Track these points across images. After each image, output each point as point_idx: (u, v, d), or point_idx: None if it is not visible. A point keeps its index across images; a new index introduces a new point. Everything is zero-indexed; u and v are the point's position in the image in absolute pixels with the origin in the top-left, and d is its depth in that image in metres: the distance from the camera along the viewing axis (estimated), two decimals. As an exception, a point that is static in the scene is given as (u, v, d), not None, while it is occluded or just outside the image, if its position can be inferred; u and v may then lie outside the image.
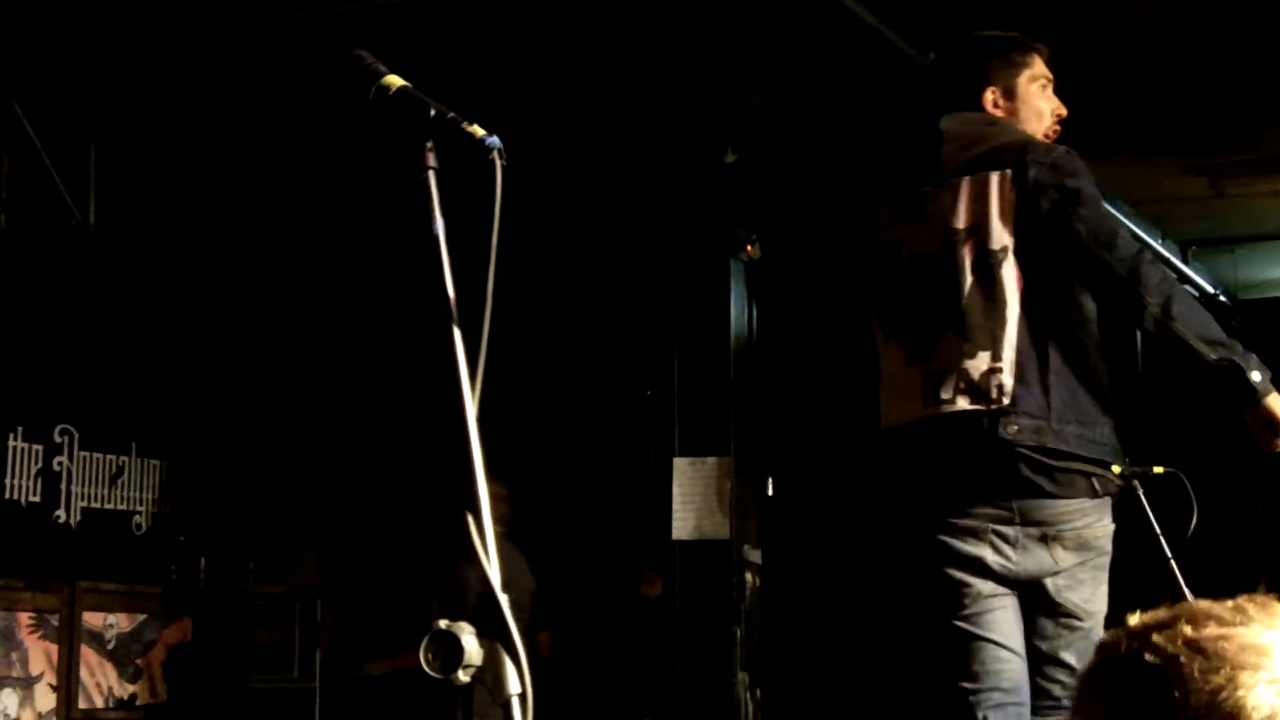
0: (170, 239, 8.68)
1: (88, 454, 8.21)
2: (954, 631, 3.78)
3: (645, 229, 7.81)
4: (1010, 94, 4.04)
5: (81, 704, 7.80)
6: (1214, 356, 3.65)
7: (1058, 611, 3.81)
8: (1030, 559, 3.76)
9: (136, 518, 8.43)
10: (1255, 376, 3.65)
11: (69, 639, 7.77)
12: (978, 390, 3.75)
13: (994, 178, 3.82)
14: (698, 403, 7.72)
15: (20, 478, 7.88)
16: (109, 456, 8.32)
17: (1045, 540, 3.76)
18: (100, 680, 7.92)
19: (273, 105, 7.34)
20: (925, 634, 3.87)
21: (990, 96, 4.02)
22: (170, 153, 8.23)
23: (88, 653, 7.87)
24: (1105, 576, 3.82)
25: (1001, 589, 3.77)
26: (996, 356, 3.75)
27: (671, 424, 7.74)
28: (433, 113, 2.47)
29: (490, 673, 2.31)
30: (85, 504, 8.17)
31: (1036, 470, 3.71)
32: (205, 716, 8.34)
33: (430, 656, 2.33)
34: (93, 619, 7.92)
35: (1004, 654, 3.77)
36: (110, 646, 7.99)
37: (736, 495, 7.55)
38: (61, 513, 8.06)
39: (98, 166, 8.49)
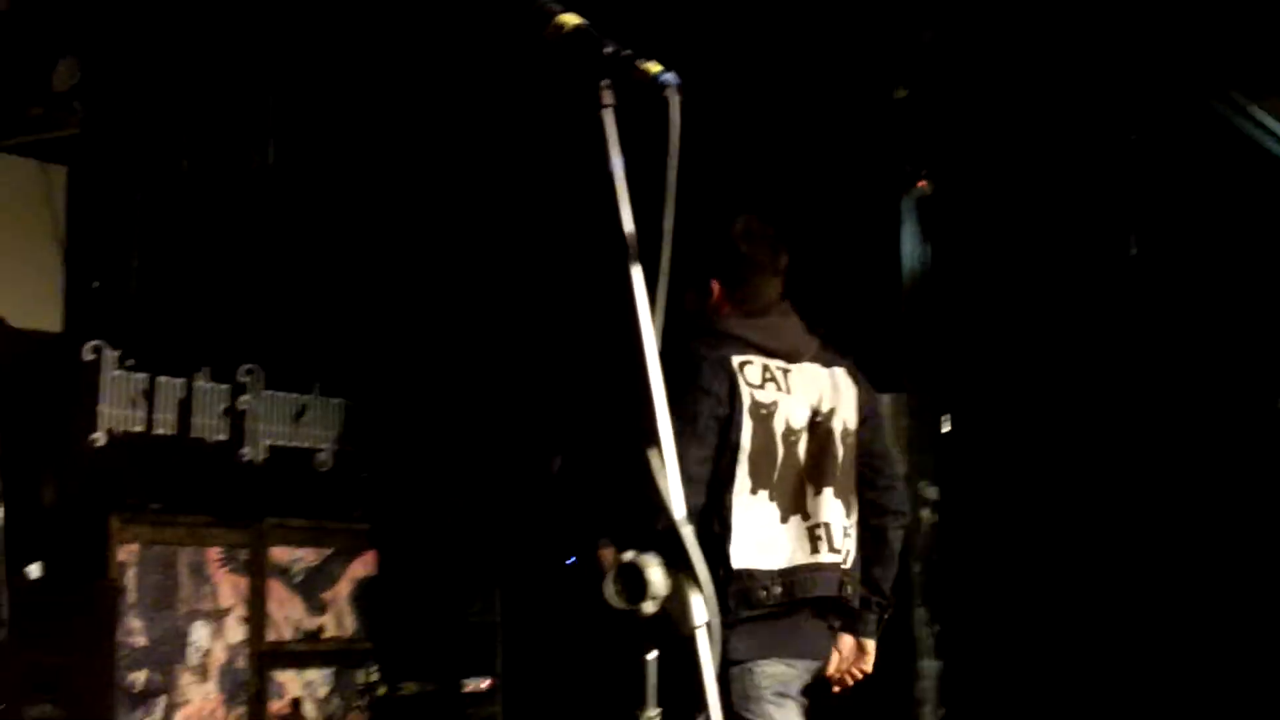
0: (349, 179, 8.80)
1: (272, 393, 8.39)
2: None
3: (815, 167, 7.77)
4: None
5: (270, 636, 8.00)
6: (885, 585, 4.51)
7: None
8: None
9: (320, 455, 8.60)
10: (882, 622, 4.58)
11: (257, 573, 7.97)
12: (842, 548, 4.33)
13: (843, 375, 4.51)
14: (871, 341, 7.68)
15: (207, 417, 8.08)
16: (292, 395, 8.50)
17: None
18: (288, 613, 8.12)
19: (448, 46, 7.40)
20: None
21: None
22: (347, 94, 8.34)
23: (275, 587, 8.06)
24: None
25: None
26: (853, 523, 4.40)
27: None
28: (608, 50, 2.49)
29: (675, 604, 2.34)
30: (270, 442, 8.36)
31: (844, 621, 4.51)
32: (390, 649, 8.50)
33: (616, 589, 2.37)
34: (280, 554, 8.11)
35: None
36: (297, 581, 8.18)
37: (912, 433, 7.51)
38: (248, 450, 8.25)
39: (276, 109, 8.64)
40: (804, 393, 4.35)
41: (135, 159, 8.63)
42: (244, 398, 8.25)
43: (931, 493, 7.62)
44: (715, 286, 4.56)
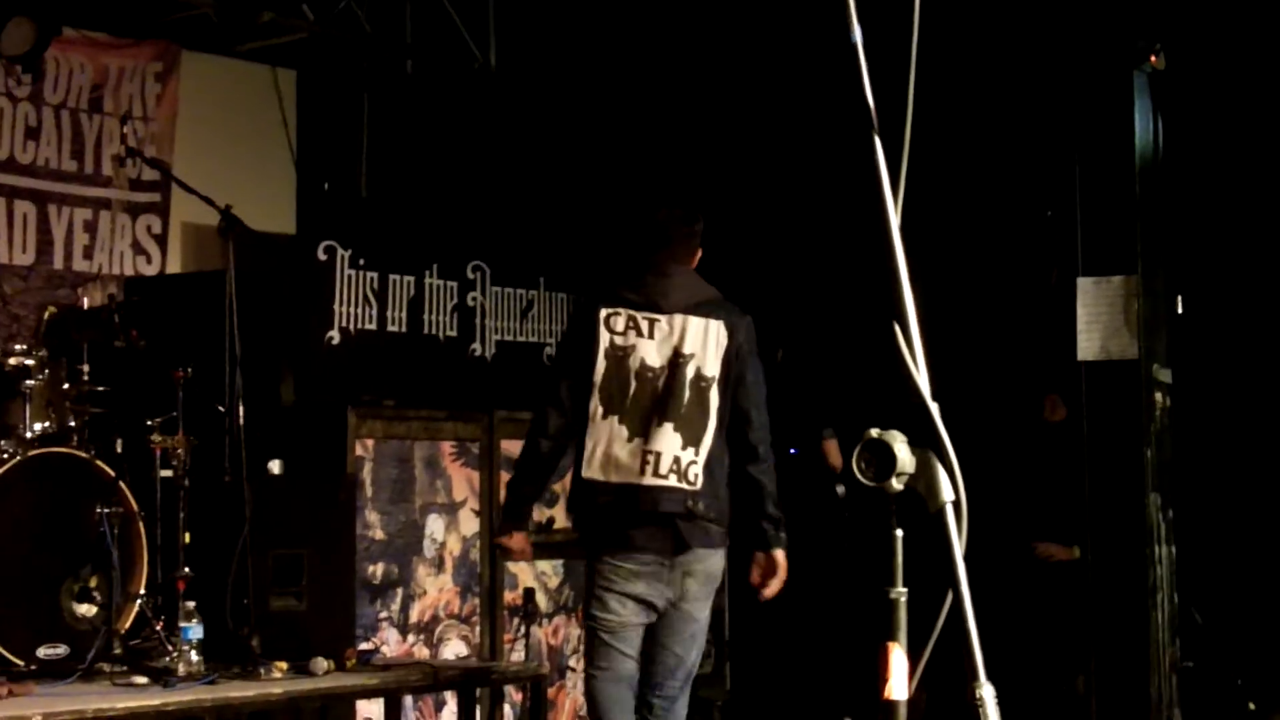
0: (569, 76, 8.83)
1: (499, 289, 8.49)
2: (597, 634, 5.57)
3: (1043, 42, 7.60)
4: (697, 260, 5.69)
5: (502, 528, 8.14)
6: (773, 510, 5.58)
7: (684, 620, 5.55)
8: (673, 589, 5.48)
9: (547, 349, 8.70)
10: (783, 535, 5.61)
11: (488, 466, 8.10)
12: (683, 474, 5.36)
13: (714, 325, 5.45)
14: (1101, 221, 7.52)
15: (438, 313, 8.21)
16: (519, 291, 8.59)
17: (684, 576, 5.48)
18: (520, 505, 8.24)
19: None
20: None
21: (698, 257, 5.65)
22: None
23: (506, 479, 8.17)
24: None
25: (641, 614, 5.50)
26: (697, 453, 5.39)
27: (1074, 243, 7.56)
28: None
29: (923, 480, 2.33)
30: (499, 337, 8.47)
31: (704, 531, 5.45)
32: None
33: (862, 465, 2.36)
34: (510, 446, 8.21)
35: (625, 657, 5.54)
36: (528, 473, 8.29)
37: (1144, 314, 7.35)
38: (477, 346, 8.38)
39: (496, 10, 8.70)
40: (665, 338, 5.45)
41: (361, 62, 8.78)
42: (472, 294, 8.37)
43: (1164, 375, 7.47)
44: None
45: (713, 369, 5.44)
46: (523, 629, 8.11)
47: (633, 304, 5.47)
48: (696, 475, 5.41)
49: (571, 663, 8.38)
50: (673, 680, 5.61)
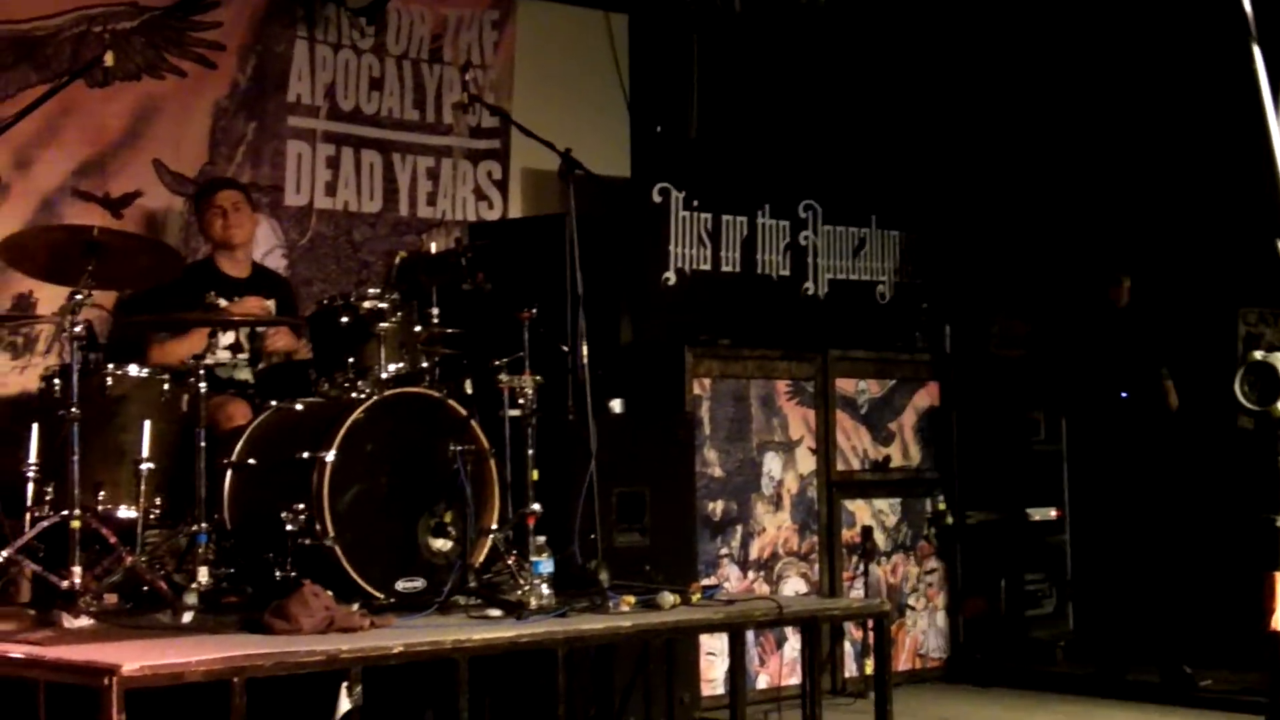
0: (898, 9, 8.74)
1: (831, 228, 8.47)
2: None
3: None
4: None
5: (839, 466, 8.13)
6: None
7: None
8: None
9: (880, 288, 8.65)
10: None
11: (824, 405, 8.10)
12: None
13: None
14: None
15: (770, 253, 8.23)
16: (851, 229, 8.56)
17: None
18: (855, 444, 8.23)
19: None
20: None
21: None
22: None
23: (842, 417, 8.18)
24: None
25: None
26: None
27: None
28: None
29: (1311, 403, 2.24)
30: (831, 276, 8.45)
31: None
32: (957, 479, 8.53)
33: (1246, 388, 2.29)
34: (845, 385, 8.21)
35: None
36: (863, 411, 8.28)
37: None
38: (810, 285, 8.37)
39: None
40: None
41: (691, 2, 8.82)
42: (805, 233, 8.36)
43: None
44: None
45: None
46: (861, 567, 8.11)
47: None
48: None
49: (911, 600, 8.34)
50: None
